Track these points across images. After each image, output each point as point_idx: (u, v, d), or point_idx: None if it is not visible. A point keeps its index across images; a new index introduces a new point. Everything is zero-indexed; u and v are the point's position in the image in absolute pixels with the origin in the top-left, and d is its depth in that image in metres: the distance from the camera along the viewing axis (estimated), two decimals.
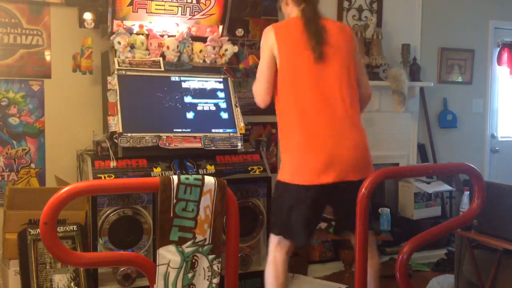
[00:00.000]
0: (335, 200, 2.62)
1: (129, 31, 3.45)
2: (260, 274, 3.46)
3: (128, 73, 3.32)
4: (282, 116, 2.67)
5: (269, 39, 2.66)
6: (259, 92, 2.74)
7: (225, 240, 1.89)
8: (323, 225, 3.92)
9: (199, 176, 1.85)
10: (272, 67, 2.67)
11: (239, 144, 3.38)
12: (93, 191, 2.15)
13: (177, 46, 3.48)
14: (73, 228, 3.16)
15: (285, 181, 2.59)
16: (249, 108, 4.17)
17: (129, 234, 3.14)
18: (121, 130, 3.13)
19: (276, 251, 2.66)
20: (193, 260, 1.85)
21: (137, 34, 3.45)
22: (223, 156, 3.38)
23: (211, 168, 3.30)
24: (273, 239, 2.68)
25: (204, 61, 3.59)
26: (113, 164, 3.13)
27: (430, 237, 2.18)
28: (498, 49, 5.33)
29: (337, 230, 3.34)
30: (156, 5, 3.45)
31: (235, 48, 3.66)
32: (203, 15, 3.58)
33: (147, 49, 3.45)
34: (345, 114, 2.58)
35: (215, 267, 1.88)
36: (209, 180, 1.85)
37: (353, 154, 2.53)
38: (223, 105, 3.49)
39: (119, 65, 3.31)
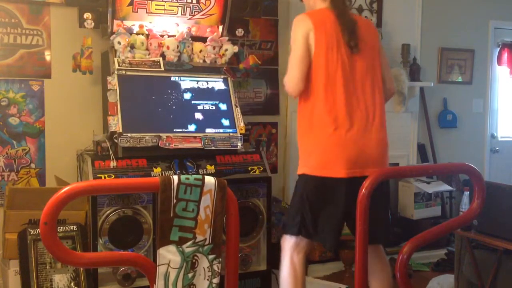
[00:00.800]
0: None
1: (129, 31, 3.44)
2: (260, 274, 3.48)
3: (128, 73, 3.32)
4: (312, 108, 2.57)
5: (305, 26, 2.55)
6: (294, 80, 2.60)
7: (225, 240, 1.89)
8: None
9: (199, 176, 1.85)
10: (307, 56, 2.57)
11: (239, 144, 3.37)
12: (93, 191, 2.15)
13: (177, 46, 3.48)
14: (73, 228, 3.16)
15: (314, 174, 2.51)
16: (249, 108, 4.18)
17: (129, 234, 3.14)
18: (121, 130, 3.12)
19: (294, 253, 2.57)
20: (193, 260, 1.85)
21: (137, 34, 3.45)
22: (223, 156, 3.37)
23: (211, 168, 3.30)
24: (289, 241, 2.60)
25: (204, 61, 3.59)
26: (113, 164, 3.13)
27: (430, 237, 2.18)
28: (498, 49, 5.33)
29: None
30: (156, 5, 3.44)
31: (235, 48, 3.65)
32: (203, 15, 3.58)
33: (147, 49, 3.45)
34: (373, 110, 2.57)
35: (215, 267, 1.88)
36: (209, 180, 1.85)
37: (378, 151, 2.54)
38: (223, 105, 3.48)
39: (119, 65, 3.30)
